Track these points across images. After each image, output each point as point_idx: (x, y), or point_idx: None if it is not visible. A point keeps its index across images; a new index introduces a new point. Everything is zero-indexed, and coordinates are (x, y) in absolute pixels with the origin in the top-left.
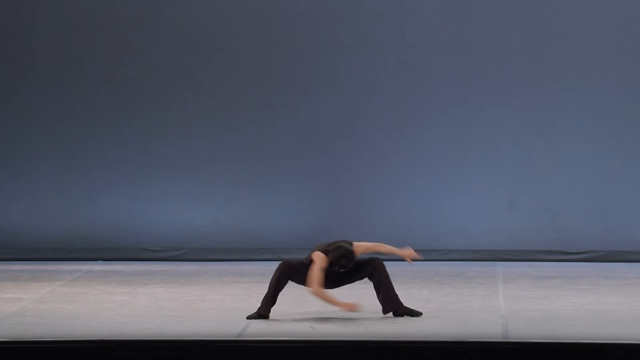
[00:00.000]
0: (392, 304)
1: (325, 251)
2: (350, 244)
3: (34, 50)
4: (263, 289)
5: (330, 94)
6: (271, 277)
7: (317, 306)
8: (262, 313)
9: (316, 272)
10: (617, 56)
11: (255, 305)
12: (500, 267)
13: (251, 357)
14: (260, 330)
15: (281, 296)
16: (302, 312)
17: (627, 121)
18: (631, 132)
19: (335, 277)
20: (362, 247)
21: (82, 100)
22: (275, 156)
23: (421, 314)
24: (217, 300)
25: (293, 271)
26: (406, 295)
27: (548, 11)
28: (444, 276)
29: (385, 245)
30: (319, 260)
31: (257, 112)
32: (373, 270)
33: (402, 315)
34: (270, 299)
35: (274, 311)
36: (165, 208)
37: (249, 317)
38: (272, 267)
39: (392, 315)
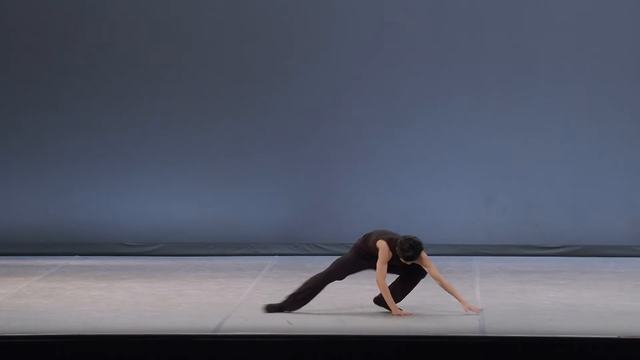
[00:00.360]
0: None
1: (392, 241)
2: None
3: (9, 45)
4: (240, 284)
5: (308, 90)
6: (317, 275)
7: None
8: (289, 309)
9: (380, 265)
10: (593, 52)
11: (232, 299)
12: (477, 261)
13: (228, 352)
14: (237, 325)
15: (257, 291)
16: None
17: (603, 116)
18: (607, 127)
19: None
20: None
21: (58, 95)
22: (252, 151)
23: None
24: (194, 295)
25: (346, 271)
26: None
27: (524, 7)
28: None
29: (449, 287)
30: (384, 253)
31: (234, 107)
32: (417, 276)
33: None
34: (305, 299)
35: (251, 306)
36: (142, 203)
37: (268, 309)
38: (249, 261)
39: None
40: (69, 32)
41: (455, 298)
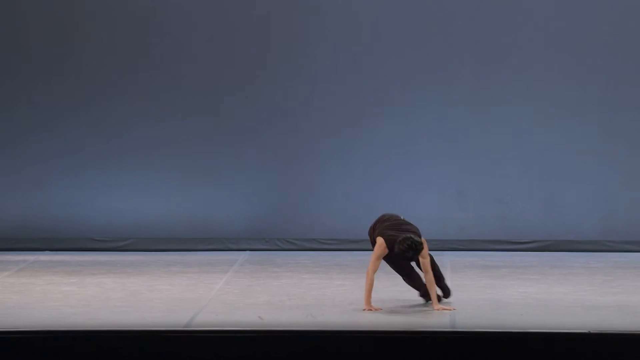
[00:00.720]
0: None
1: (391, 239)
2: (420, 237)
3: None
4: (211, 279)
5: (279, 86)
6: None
7: (265, 296)
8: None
9: (373, 260)
10: (563, 46)
11: (203, 295)
12: (448, 256)
13: (199, 348)
14: (207, 320)
15: (228, 286)
16: (250, 302)
17: (574, 111)
18: (577, 122)
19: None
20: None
21: (29, 90)
22: (222, 147)
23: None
24: (165, 291)
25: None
26: (354, 286)
27: (494, 4)
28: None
29: (433, 286)
30: (379, 249)
31: (206, 102)
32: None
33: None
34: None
35: (222, 301)
36: (113, 198)
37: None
38: (220, 257)
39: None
40: (41, 27)
41: (430, 296)
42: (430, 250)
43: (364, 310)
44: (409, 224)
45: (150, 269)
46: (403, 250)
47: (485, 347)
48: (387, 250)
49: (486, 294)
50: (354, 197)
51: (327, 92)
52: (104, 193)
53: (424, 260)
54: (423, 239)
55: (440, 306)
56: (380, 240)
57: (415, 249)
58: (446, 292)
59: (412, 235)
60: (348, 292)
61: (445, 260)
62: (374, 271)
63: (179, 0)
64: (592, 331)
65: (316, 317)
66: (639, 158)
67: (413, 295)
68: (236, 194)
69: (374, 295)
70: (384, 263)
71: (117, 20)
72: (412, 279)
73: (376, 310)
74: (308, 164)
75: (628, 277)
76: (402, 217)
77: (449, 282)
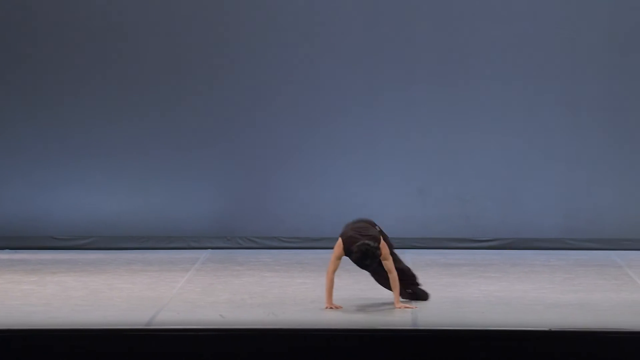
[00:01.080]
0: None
1: (349, 241)
2: (378, 241)
3: None
4: (172, 278)
5: (240, 83)
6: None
7: (227, 294)
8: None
9: (332, 260)
10: (525, 45)
11: (164, 293)
12: (409, 254)
13: (160, 346)
14: (169, 319)
15: (189, 284)
16: (212, 300)
17: (535, 110)
18: (539, 120)
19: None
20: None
21: None
22: (184, 144)
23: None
24: (126, 289)
25: None
26: (316, 284)
27: (454, 1)
28: (353, 264)
29: (396, 286)
30: (337, 249)
31: (167, 100)
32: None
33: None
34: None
35: (183, 299)
36: (73, 196)
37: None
38: (182, 255)
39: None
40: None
41: (394, 295)
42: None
43: (325, 308)
44: (373, 229)
45: (111, 268)
46: (358, 258)
47: (446, 345)
48: (344, 252)
49: (447, 292)
50: (315, 195)
51: (289, 90)
52: (64, 191)
53: (386, 262)
54: (383, 243)
55: (402, 304)
56: (339, 241)
57: (371, 256)
58: (423, 296)
59: (369, 242)
60: (309, 291)
61: (407, 258)
62: (334, 271)
63: (141, 4)
64: (553, 329)
65: (278, 315)
66: (600, 156)
67: (375, 293)
68: (198, 192)
69: (335, 293)
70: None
71: (74, 20)
72: (381, 277)
73: (337, 308)
74: (270, 162)
75: (589, 275)
76: (376, 227)
77: None
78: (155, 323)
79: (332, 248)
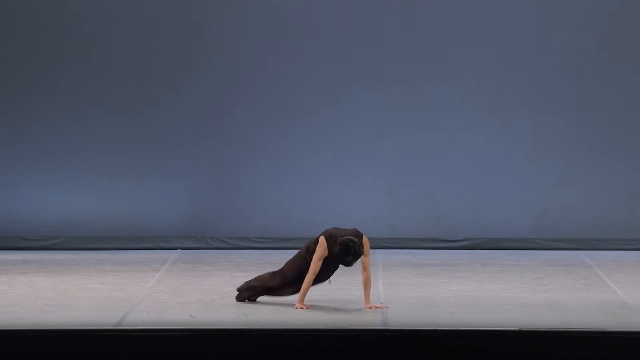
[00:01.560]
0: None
1: (332, 239)
2: (361, 237)
3: None
4: (142, 278)
5: (209, 83)
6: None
7: (197, 294)
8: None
9: (314, 261)
10: (495, 46)
11: (134, 293)
12: (379, 254)
13: (130, 347)
14: (139, 319)
15: (159, 285)
16: (182, 300)
17: (505, 110)
18: (508, 121)
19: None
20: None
21: None
22: (154, 145)
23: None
24: (96, 290)
25: (290, 271)
26: None
27: (425, 2)
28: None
29: (368, 285)
30: (320, 249)
31: (136, 100)
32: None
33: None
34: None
35: (153, 300)
36: (43, 196)
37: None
38: (152, 255)
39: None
40: None
41: (364, 294)
42: None
43: (296, 308)
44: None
45: (81, 268)
46: (341, 252)
47: (417, 344)
48: (327, 252)
49: (418, 292)
50: (285, 195)
51: (258, 90)
52: (34, 191)
53: (365, 259)
54: (366, 239)
55: (372, 304)
56: (321, 240)
57: (354, 252)
58: None
59: (353, 237)
60: None
61: (377, 259)
62: (314, 273)
63: (108, 4)
64: (523, 328)
65: (248, 315)
66: (569, 157)
67: (345, 293)
68: (168, 193)
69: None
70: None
71: (43, 21)
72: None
73: (307, 308)
74: (239, 162)
75: (558, 275)
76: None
77: (379, 281)
78: (125, 323)
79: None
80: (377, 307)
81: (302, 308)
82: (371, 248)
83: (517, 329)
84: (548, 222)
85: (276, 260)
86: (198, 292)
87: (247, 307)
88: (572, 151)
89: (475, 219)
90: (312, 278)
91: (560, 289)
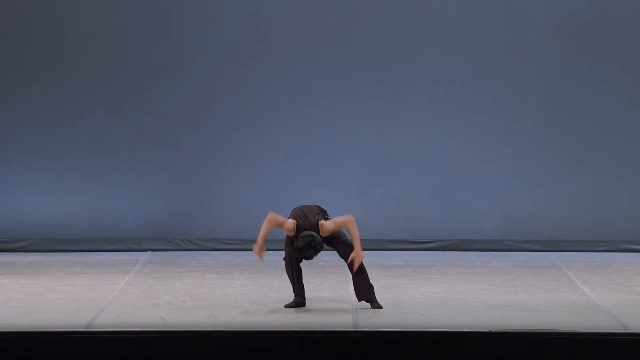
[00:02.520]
0: (369, 294)
1: (299, 227)
2: (319, 227)
3: None
4: (112, 280)
5: (180, 85)
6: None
7: (167, 296)
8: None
9: (277, 219)
10: (464, 49)
11: (104, 295)
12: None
13: (100, 349)
14: (109, 321)
15: (129, 287)
16: (152, 302)
17: (474, 112)
18: (478, 122)
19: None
20: (334, 224)
21: None
22: (124, 146)
23: (382, 307)
24: (66, 291)
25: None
26: (257, 286)
27: (396, 4)
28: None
29: (354, 233)
30: (288, 229)
31: (106, 102)
32: (348, 258)
33: (373, 306)
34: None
35: (124, 302)
36: (12, 198)
37: (287, 306)
38: (122, 257)
39: (366, 303)
40: None
41: (354, 244)
42: (331, 250)
43: (252, 249)
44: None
45: (51, 270)
46: (302, 249)
47: (387, 346)
48: (292, 233)
49: (388, 293)
50: (256, 197)
51: (229, 91)
52: (3, 193)
53: (337, 221)
54: (328, 222)
55: (359, 255)
56: (291, 223)
57: (315, 247)
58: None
59: (314, 234)
60: (250, 292)
61: None
62: (273, 221)
63: (76, 5)
64: (493, 330)
65: (218, 317)
66: (538, 159)
67: (314, 294)
68: (138, 194)
69: (274, 295)
70: None
71: (14, 23)
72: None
73: (261, 256)
74: (210, 164)
75: (528, 277)
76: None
77: (350, 282)
78: (96, 325)
79: (272, 250)
80: (358, 257)
81: (259, 255)
82: None
83: (487, 330)
84: (518, 224)
85: (247, 262)
86: (168, 293)
87: (217, 308)
88: (542, 153)
89: (446, 221)
90: (273, 222)
91: (531, 290)
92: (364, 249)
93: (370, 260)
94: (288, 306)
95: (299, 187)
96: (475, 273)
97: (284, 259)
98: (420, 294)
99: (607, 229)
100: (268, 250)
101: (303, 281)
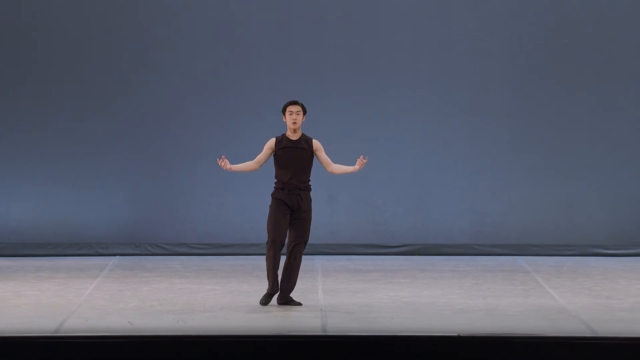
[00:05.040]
0: (284, 297)
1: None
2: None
3: None
4: (80, 284)
5: (148, 91)
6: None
7: (135, 301)
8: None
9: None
10: (432, 53)
11: (72, 300)
12: (319, 260)
13: (68, 353)
14: (77, 326)
15: (98, 291)
16: (120, 307)
17: (442, 117)
18: (446, 127)
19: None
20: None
21: None
22: (92, 151)
23: (300, 304)
24: (33, 296)
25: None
26: (225, 290)
27: (366, 9)
28: (264, 270)
29: (339, 167)
30: (269, 146)
31: (75, 107)
32: (293, 247)
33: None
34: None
35: (92, 306)
36: None
37: (262, 303)
38: (90, 262)
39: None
40: None
41: (347, 169)
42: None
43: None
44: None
45: (18, 275)
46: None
47: (356, 350)
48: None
49: (357, 297)
50: (225, 201)
51: (198, 96)
52: None
53: (321, 154)
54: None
55: (359, 166)
56: (271, 141)
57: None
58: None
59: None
60: (219, 297)
61: (316, 264)
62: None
63: (49, 8)
64: (461, 334)
65: (187, 322)
66: (506, 163)
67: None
68: (106, 199)
69: (243, 299)
70: None
71: None
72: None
73: (224, 165)
74: (179, 169)
75: (497, 281)
76: None
77: (319, 286)
78: (64, 330)
79: (240, 254)
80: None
81: (222, 164)
82: (310, 254)
83: (456, 334)
84: (486, 228)
85: (215, 266)
86: (137, 298)
87: (185, 313)
88: (510, 158)
89: (414, 225)
90: (253, 164)
91: (499, 294)
92: (332, 253)
93: (339, 265)
94: (263, 303)
95: (268, 192)
96: (444, 277)
97: (267, 242)
98: (389, 298)
99: (576, 233)
100: (236, 254)
101: (278, 272)
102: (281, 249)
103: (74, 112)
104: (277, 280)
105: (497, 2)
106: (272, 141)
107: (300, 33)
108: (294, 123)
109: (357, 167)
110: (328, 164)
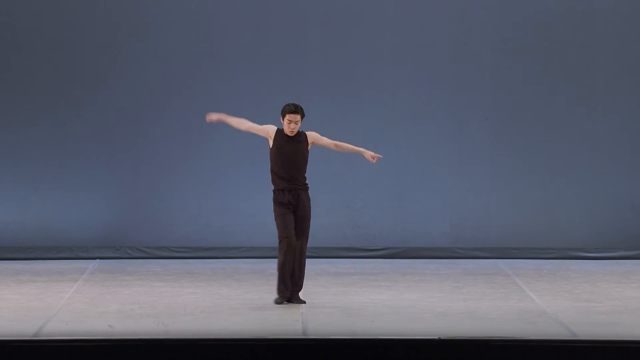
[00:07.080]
0: (293, 295)
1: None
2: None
3: None
4: (60, 288)
5: (127, 93)
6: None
7: (116, 304)
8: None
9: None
10: (413, 54)
11: (52, 303)
12: None
13: (48, 357)
14: (57, 329)
15: (78, 295)
16: (101, 310)
17: (423, 119)
18: (427, 130)
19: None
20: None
21: None
22: (72, 154)
23: (305, 302)
24: (13, 300)
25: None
26: (206, 293)
27: (347, 10)
28: (245, 273)
29: (344, 145)
30: (266, 131)
31: (54, 109)
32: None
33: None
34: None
35: (72, 310)
36: None
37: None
38: (70, 265)
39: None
40: None
41: (353, 149)
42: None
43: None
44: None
45: None
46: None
47: (337, 354)
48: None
49: (337, 301)
50: (205, 204)
51: (177, 98)
52: None
53: (321, 138)
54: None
55: (370, 153)
56: (272, 130)
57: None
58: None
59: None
60: (199, 300)
61: None
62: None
63: (26, 10)
64: (442, 337)
65: (167, 325)
66: (487, 166)
67: (265, 302)
68: (86, 202)
69: (225, 303)
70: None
71: None
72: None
73: (211, 119)
74: (159, 172)
75: (477, 284)
76: None
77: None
78: (44, 334)
79: (221, 257)
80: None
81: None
82: None
83: (436, 338)
84: (467, 231)
85: (196, 269)
86: (117, 302)
87: (166, 316)
88: (491, 161)
89: (395, 228)
90: (245, 125)
91: (479, 297)
92: (312, 257)
93: (320, 268)
94: (279, 302)
95: (248, 195)
96: (424, 280)
97: (279, 239)
98: (370, 301)
99: (556, 236)
100: (217, 257)
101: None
102: (294, 242)
103: (53, 115)
104: (289, 282)
105: (477, 5)
106: (273, 129)
107: (278, 36)
108: (292, 132)
109: (372, 160)
110: (334, 144)
